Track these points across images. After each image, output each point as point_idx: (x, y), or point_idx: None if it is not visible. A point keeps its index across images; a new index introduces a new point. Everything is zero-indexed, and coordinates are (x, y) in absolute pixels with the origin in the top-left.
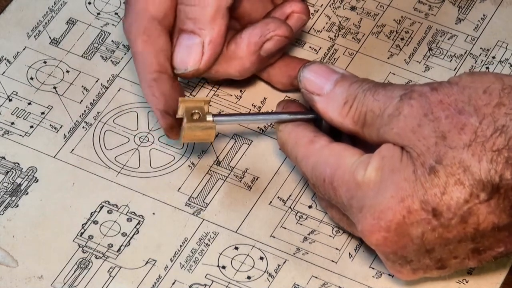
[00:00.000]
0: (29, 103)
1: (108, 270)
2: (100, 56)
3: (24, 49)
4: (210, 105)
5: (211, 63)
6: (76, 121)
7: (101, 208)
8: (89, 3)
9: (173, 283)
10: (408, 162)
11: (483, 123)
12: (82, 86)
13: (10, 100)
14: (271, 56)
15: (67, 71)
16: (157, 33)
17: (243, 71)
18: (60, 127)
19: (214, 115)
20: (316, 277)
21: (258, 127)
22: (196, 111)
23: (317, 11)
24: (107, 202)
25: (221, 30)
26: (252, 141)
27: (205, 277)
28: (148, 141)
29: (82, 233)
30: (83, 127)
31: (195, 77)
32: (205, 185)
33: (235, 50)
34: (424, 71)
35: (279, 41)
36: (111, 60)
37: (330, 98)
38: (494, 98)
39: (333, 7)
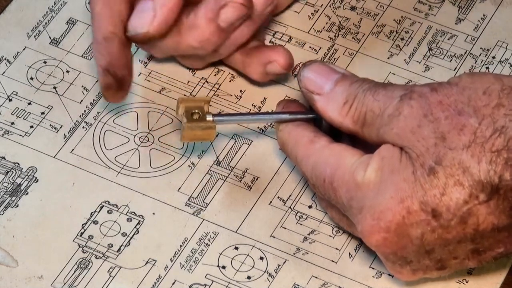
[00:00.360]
0: (29, 103)
1: (108, 270)
2: None
3: (24, 49)
4: (210, 105)
5: (162, 27)
6: (76, 121)
7: (101, 208)
8: (89, 3)
9: (173, 283)
10: (407, 162)
11: (482, 124)
12: (82, 86)
13: (10, 100)
14: (232, 28)
15: (67, 71)
16: None
17: (204, 41)
18: (60, 127)
19: (214, 115)
20: (316, 277)
21: (258, 127)
22: (196, 110)
23: (317, 11)
24: (107, 202)
25: None
26: (252, 141)
27: (205, 277)
28: (148, 141)
29: (82, 233)
30: (83, 127)
31: (147, 42)
32: (205, 185)
33: (193, 20)
34: (424, 71)
35: (236, 8)
36: None
37: (330, 97)
38: (493, 99)
39: (333, 7)
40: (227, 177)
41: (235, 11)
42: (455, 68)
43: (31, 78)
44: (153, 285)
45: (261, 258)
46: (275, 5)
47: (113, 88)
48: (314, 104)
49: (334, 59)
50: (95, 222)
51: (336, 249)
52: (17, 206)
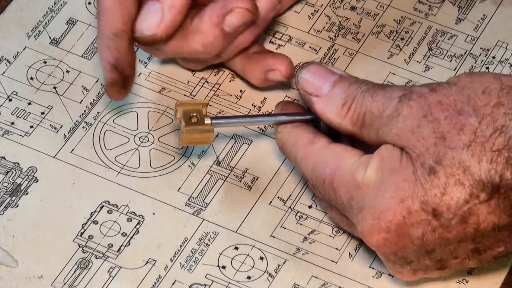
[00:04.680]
0: (29, 103)
1: (108, 270)
2: None
3: (24, 49)
4: (210, 105)
5: (169, 30)
6: (76, 121)
7: (101, 208)
8: (89, 3)
9: (173, 283)
10: (407, 162)
11: (482, 123)
12: (82, 86)
13: (10, 100)
14: (237, 33)
15: (67, 71)
16: None
17: (207, 45)
18: (60, 127)
19: (212, 118)
20: (316, 277)
21: (258, 127)
22: (194, 114)
23: (317, 11)
24: (107, 202)
25: None
26: (252, 141)
27: (205, 277)
28: (148, 141)
29: (82, 233)
30: (83, 127)
31: (154, 44)
32: (205, 185)
33: (198, 24)
34: (424, 71)
35: (241, 14)
36: None
37: (329, 99)
38: (493, 98)
39: (333, 7)
40: (227, 177)
41: (240, 16)
42: (455, 68)
43: (31, 78)
44: (153, 285)
45: (261, 258)
46: (279, 9)
47: (118, 85)
48: (312, 105)
49: (334, 59)
50: (95, 222)
51: (336, 249)
52: (17, 206)
